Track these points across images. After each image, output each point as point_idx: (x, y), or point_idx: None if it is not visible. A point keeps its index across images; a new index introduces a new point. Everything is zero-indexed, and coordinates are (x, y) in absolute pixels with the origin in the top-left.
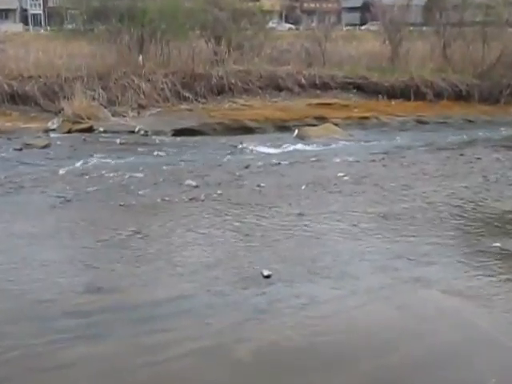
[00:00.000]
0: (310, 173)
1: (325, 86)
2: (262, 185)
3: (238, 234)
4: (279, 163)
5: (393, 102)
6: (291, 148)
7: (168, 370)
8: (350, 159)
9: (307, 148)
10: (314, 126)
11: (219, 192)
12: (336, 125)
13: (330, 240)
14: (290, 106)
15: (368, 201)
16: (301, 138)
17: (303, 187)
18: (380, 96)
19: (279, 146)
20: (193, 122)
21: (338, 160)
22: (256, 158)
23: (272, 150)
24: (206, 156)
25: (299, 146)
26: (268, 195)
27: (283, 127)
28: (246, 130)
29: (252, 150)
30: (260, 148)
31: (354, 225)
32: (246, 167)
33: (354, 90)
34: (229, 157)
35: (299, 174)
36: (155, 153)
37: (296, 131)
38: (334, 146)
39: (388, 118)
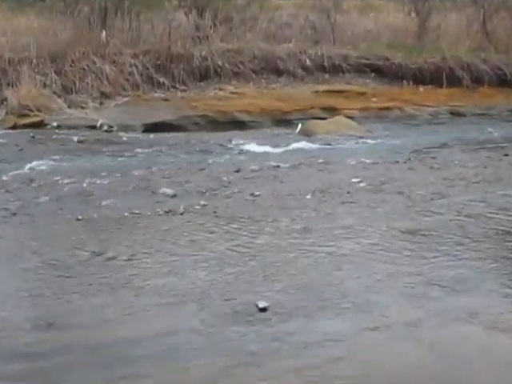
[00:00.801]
0: (317, 178)
1: (335, 69)
2: (257, 193)
3: (227, 256)
4: (278, 166)
5: (421, 89)
6: (293, 147)
7: None
8: (368, 161)
9: (313, 147)
10: (322, 119)
11: (203, 203)
12: (350, 118)
13: (343, 263)
14: (291, 94)
15: (390, 213)
16: (305, 134)
17: (308, 196)
18: (405, 81)
19: (278, 145)
20: (169, 115)
21: (352, 162)
22: (249, 159)
23: (269, 150)
24: (186, 157)
25: (303, 145)
26: (264, 207)
27: (283, 121)
28: (237, 125)
29: (244, 150)
30: (254, 147)
31: (373, 244)
32: (237, 171)
33: (372, 74)
34: (215, 158)
35: (303, 179)
36: (122, 153)
37: (299, 126)
38: (346, 144)
39: (414, 109)
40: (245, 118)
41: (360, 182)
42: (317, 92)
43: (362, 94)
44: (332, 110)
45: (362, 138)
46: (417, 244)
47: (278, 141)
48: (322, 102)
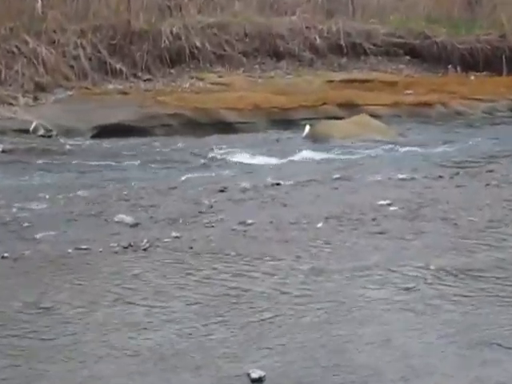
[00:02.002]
0: (332, 200)
1: (355, 51)
2: (250, 221)
3: (209, 309)
4: (278, 184)
5: (472, 77)
6: (299, 157)
7: None
8: (400, 176)
9: (326, 157)
10: (338, 119)
11: (175, 235)
12: (375, 117)
13: (365, 318)
14: (296, 85)
15: (431, 248)
16: (315, 139)
17: (319, 224)
18: (450, 67)
19: (278, 155)
20: (128, 115)
21: (378, 177)
22: (239, 174)
23: (266, 161)
24: (152, 172)
25: (313, 154)
26: (259, 240)
27: (285, 122)
28: (222, 128)
29: (232, 162)
30: (245, 158)
31: (408, 289)
32: (222, 191)
33: (406, 58)
34: (191, 173)
35: (313, 202)
36: (64, 167)
37: (307, 128)
38: (371, 153)
39: (463, 105)
40: (232, 117)
41: (390, 204)
42: (331, 82)
43: (393, 84)
44: (351, 107)
45: (392, 144)
46: (469, 289)
47: (278, 149)
48: (338, 95)
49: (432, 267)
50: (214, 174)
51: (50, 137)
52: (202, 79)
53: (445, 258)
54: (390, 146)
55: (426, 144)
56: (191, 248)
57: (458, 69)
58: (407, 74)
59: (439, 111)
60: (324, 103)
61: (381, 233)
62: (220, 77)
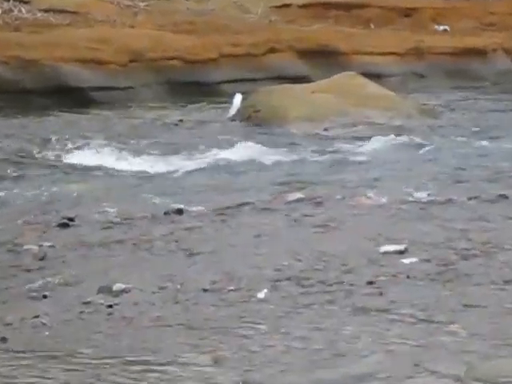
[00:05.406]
0: (286, 243)
1: None
2: (120, 287)
3: None
4: (180, 211)
5: None
6: (220, 157)
7: None
8: (422, 195)
9: (275, 158)
10: (300, 81)
11: None
12: (374, 77)
13: None
14: (215, 13)
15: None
16: (254, 121)
17: (261, 294)
18: None
19: (180, 152)
20: None
21: (379, 198)
22: (99, 192)
23: (155, 166)
24: None
25: (247, 152)
26: (137, 325)
27: (193, 87)
28: (68, 99)
29: (85, 167)
30: (112, 159)
31: None
32: (65, 225)
33: None
34: (6, 190)
35: (247, 247)
36: None
37: (237, 100)
38: (365, 149)
39: None
40: (88, 78)
41: (402, 252)
42: (284, 8)
43: (410, 13)
44: (326, 58)
45: (406, 132)
46: None
47: (180, 141)
48: (299, 34)
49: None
50: (50, 192)
51: None
52: (27, 1)
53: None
54: (403, 135)
55: (474, 133)
56: (3, 341)
57: None
58: None
59: (502, 64)
60: (271, 49)
61: (380, 311)
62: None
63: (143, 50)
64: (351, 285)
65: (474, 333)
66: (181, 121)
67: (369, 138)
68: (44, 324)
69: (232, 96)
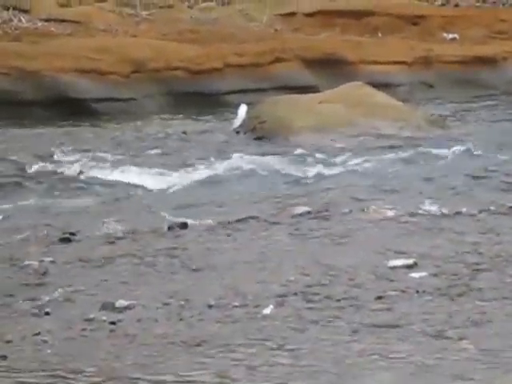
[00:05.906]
0: (292, 257)
1: None
2: (123, 304)
3: None
4: (184, 226)
5: None
6: (225, 170)
7: None
8: (432, 208)
9: (280, 169)
10: (307, 91)
11: None
12: (383, 87)
13: None
14: (219, 22)
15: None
16: (259, 133)
17: (266, 310)
18: None
19: (185, 165)
20: None
21: (387, 211)
22: (100, 206)
23: (158, 180)
24: None
25: (251, 164)
26: (137, 343)
27: (198, 97)
28: (70, 110)
29: (87, 181)
30: (115, 172)
31: None
32: (67, 240)
33: None
34: (9, 203)
35: (252, 262)
36: None
37: (242, 110)
38: (373, 161)
39: None
40: (89, 89)
41: (411, 267)
42: (289, 17)
43: (418, 20)
44: (333, 68)
45: (416, 142)
46: None
47: (184, 153)
48: (305, 43)
49: None
50: (51, 206)
51: None
52: (26, 10)
53: None
54: (413, 146)
55: (484, 143)
56: (3, 359)
57: None
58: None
59: None
60: (277, 59)
61: (392, 326)
62: (64, 5)
63: (146, 59)
64: (359, 300)
65: (484, 349)
66: (184, 133)
67: (377, 149)
68: (45, 341)
69: (237, 107)
